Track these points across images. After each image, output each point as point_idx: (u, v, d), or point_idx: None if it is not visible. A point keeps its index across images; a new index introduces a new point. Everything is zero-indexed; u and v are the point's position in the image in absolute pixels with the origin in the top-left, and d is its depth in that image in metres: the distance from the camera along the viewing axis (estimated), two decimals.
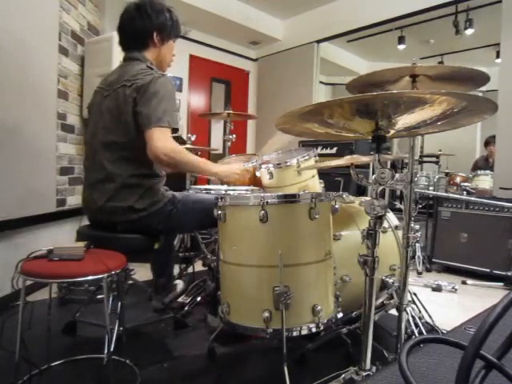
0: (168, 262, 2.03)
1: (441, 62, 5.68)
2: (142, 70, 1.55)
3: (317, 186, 2.16)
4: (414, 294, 1.79)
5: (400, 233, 1.71)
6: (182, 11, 1.69)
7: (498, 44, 3.56)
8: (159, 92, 1.49)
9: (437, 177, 3.69)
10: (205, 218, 1.60)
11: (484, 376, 0.34)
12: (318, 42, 5.03)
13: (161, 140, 1.45)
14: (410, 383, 0.33)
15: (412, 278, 2.91)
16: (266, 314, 1.24)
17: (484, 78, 1.42)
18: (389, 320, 1.80)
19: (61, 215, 2.67)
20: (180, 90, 4.88)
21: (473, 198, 3.00)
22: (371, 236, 1.05)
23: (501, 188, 3.12)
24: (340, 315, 1.42)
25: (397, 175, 1.10)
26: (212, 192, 1.85)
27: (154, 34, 1.65)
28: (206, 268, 2.35)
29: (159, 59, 1.70)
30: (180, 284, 2.17)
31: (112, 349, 1.31)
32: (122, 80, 1.54)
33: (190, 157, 1.56)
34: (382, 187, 1.05)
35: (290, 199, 1.33)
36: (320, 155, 2.29)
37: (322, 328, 1.33)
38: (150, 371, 1.49)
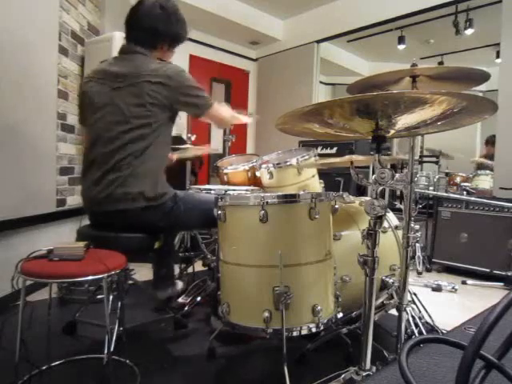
0: (169, 254, 2.01)
1: (441, 62, 5.67)
2: (160, 64, 1.60)
3: (317, 185, 2.16)
4: (414, 294, 1.79)
5: (400, 233, 1.71)
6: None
7: (498, 44, 3.55)
8: (190, 80, 1.62)
9: (437, 177, 3.69)
10: (205, 218, 1.61)
11: (484, 376, 0.34)
12: (318, 42, 5.02)
13: (221, 116, 1.80)
14: (410, 383, 0.33)
15: (412, 278, 2.91)
16: (266, 314, 1.24)
17: (483, 76, 1.42)
18: (389, 320, 1.80)
19: (61, 215, 2.67)
20: None
21: (473, 198, 3.00)
22: (371, 236, 1.05)
23: (501, 188, 3.12)
24: (340, 315, 1.42)
25: (397, 175, 1.10)
26: (212, 192, 1.85)
27: (168, 41, 1.67)
28: (206, 268, 2.35)
29: None
30: (179, 284, 2.16)
31: (112, 349, 1.32)
32: (144, 75, 1.53)
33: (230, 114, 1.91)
34: (382, 187, 1.05)
35: (290, 199, 1.33)
36: (320, 155, 2.28)
37: (321, 328, 1.33)
38: (150, 371, 1.49)
